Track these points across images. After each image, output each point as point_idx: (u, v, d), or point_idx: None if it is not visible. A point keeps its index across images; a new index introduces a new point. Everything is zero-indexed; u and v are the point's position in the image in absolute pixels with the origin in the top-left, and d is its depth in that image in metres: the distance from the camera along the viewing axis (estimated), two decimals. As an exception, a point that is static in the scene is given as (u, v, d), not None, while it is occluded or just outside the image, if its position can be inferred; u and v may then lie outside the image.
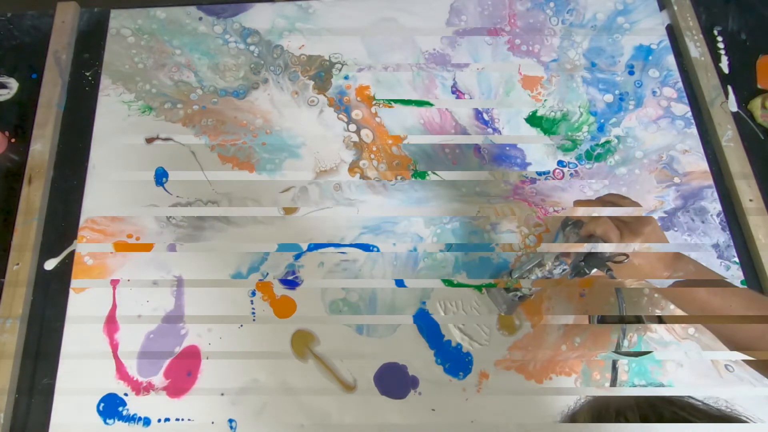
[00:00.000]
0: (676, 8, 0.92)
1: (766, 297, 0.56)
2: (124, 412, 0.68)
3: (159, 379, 0.70)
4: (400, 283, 0.74)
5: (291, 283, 0.75)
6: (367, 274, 0.75)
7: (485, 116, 0.86)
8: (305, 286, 0.74)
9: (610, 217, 0.57)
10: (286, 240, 0.77)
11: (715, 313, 0.55)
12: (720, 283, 0.57)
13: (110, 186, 0.80)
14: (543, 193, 0.81)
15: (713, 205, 0.80)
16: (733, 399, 0.69)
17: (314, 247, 0.76)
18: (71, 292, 0.74)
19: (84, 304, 0.73)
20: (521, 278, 0.65)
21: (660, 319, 0.68)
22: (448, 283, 0.74)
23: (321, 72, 0.88)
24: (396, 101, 0.86)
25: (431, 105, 0.84)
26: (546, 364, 0.71)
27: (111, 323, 0.72)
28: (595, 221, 0.58)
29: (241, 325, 0.72)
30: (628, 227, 0.57)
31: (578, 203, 0.62)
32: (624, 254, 0.56)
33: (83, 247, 0.76)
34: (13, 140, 0.84)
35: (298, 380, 0.70)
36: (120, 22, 0.91)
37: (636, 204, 0.59)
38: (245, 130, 0.84)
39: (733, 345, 0.55)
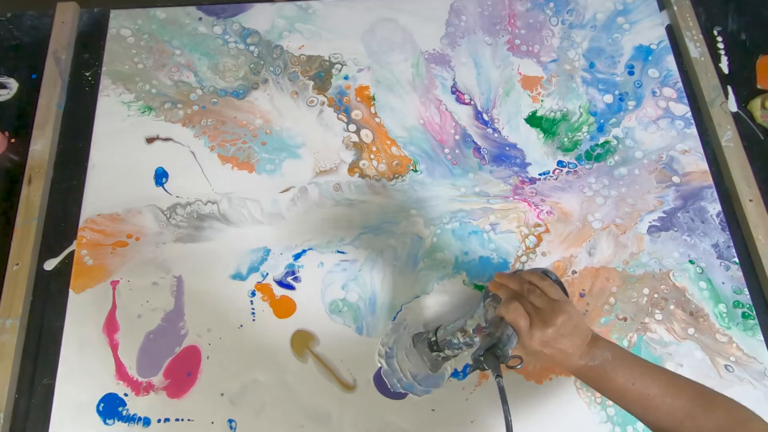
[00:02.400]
0: (675, 8, 0.92)
1: (687, 380, 0.54)
2: (124, 413, 0.68)
3: (159, 380, 0.70)
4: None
5: (291, 282, 0.75)
6: (367, 275, 0.75)
7: (485, 116, 0.86)
8: (305, 286, 0.74)
9: (523, 302, 0.55)
10: (286, 240, 0.77)
11: (635, 398, 0.52)
12: (641, 366, 0.54)
13: (110, 186, 0.80)
14: (543, 193, 0.81)
15: (713, 206, 0.80)
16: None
17: (314, 247, 0.77)
18: (71, 292, 0.74)
19: (84, 304, 0.73)
20: (444, 339, 0.63)
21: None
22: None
23: (321, 72, 0.88)
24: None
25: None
26: (546, 365, 0.71)
27: (111, 323, 0.72)
28: (505, 306, 0.54)
29: (241, 326, 0.72)
30: (540, 315, 0.53)
31: (498, 276, 0.59)
32: (519, 359, 0.53)
33: (83, 247, 0.76)
34: (12, 140, 0.84)
35: (297, 380, 0.70)
36: (120, 22, 0.91)
37: (557, 290, 0.56)
38: (245, 130, 0.84)
39: (655, 429, 0.53)
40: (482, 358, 0.53)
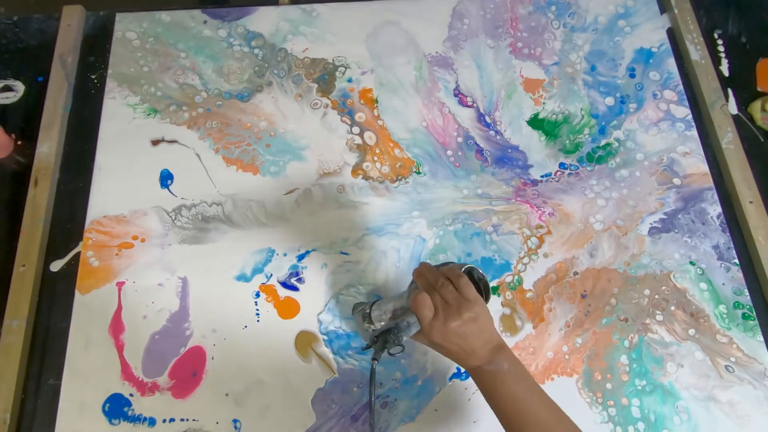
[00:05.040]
0: (676, 11, 0.93)
1: (568, 420, 0.54)
2: (130, 413, 0.69)
3: (164, 380, 0.70)
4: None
5: (295, 283, 0.75)
6: (370, 276, 0.76)
7: (487, 119, 0.86)
8: (308, 287, 0.75)
9: (432, 295, 0.55)
10: (290, 242, 0.78)
11: (512, 415, 0.53)
12: (530, 390, 0.54)
13: (116, 188, 0.81)
14: (545, 195, 0.81)
15: (713, 207, 0.80)
16: (733, 399, 0.71)
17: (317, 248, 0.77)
18: (77, 294, 0.74)
19: (89, 306, 0.74)
20: (375, 314, 0.63)
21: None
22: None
23: (324, 75, 0.89)
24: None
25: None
26: (548, 365, 0.71)
27: (116, 324, 0.73)
28: (414, 296, 0.55)
29: (246, 326, 0.73)
30: (445, 310, 0.54)
31: (421, 266, 0.59)
32: (402, 347, 0.54)
33: (89, 249, 0.77)
34: (19, 143, 0.85)
35: (301, 381, 0.70)
36: (125, 25, 0.92)
37: (471, 289, 0.55)
38: (249, 132, 0.85)
39: None
40: (376, 339, 0.54)
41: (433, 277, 0.57)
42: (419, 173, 0.82)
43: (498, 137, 0.85)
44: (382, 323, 0.62)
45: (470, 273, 0.58)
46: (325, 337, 0.72)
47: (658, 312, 0.74)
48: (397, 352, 0.54)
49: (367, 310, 0.64)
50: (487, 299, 0.58)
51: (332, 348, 0.72)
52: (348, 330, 0.73)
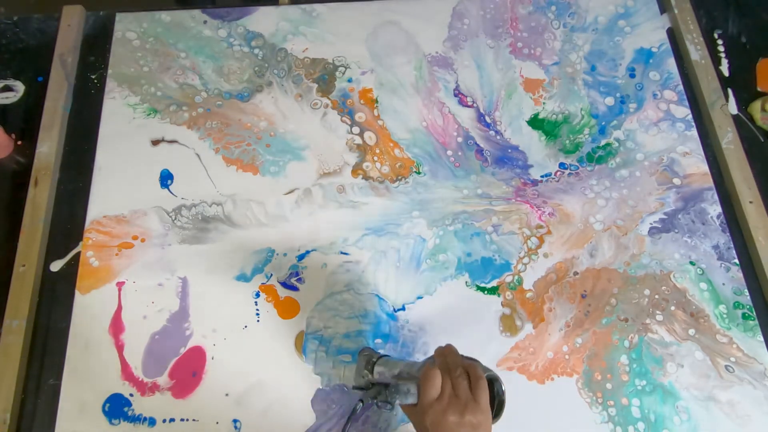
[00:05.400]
0: (676, 11, 0.93)
1: None
2: (130, 413, 0.69)
3: (164, 380, 0.70)
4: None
5: (295, 283, 0.75)
6: (370, 276, 0.76)
7: (487, 119, 0.86)
8: (308, 287, 0.75)
9: (445, 380, 0.52)
10: (290, 242, 0.78)
11: None
12: None
13: (116, 188, 0.81)
14: (545, 195, 0.81)
15: (713, 207, 0.80)
16: (733, 399, 0.71)
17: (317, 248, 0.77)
18: (77, 294, 0.74)
19: (89, 306, 0.74)
20: (379, 366, 0.61)
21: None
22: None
23: (324, 75, 0.89)
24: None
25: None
26: (548, 365, 0.71)
27: (116, 324, 0.73)
28: (429, 370, 0.52)
29: (246, 326, 0.73)
30: (450, 400, 0.51)
31: (448, 348, 0.56)
32: (390, 407, 0.52)
33: (89, 249, 0.77)
34: (19, 143, 0.85)
35: (301, 380, 0.70)
36: (125, 25, 0.92)
37: (485, 396, 0.52)
38: (249, 132, 0.85)
39: None
40: (372, 385, 0.52)
41: (453, 363, 0.54)
42: (419, 173, 0.82)
43: (498, 137, 0.85)
44: (383, 378, 0.60)
45: (491, 381, 0.54)
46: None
47: (658, 312, 0.74)
48: (384, 407, 0.52)
49: (374, 359, 0.62)
50: (496, 417, 0.54)
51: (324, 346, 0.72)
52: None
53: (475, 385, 0.52)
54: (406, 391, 0.53)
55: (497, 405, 0.54)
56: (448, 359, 0.55)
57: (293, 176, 0.82)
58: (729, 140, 0.84)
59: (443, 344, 0.58)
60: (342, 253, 0.77)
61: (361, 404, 0.51)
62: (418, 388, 0.52)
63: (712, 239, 0.79)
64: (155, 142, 0.84)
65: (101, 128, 0.84)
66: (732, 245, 0.78)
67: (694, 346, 0.72)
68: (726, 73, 0.91)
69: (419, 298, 0.75)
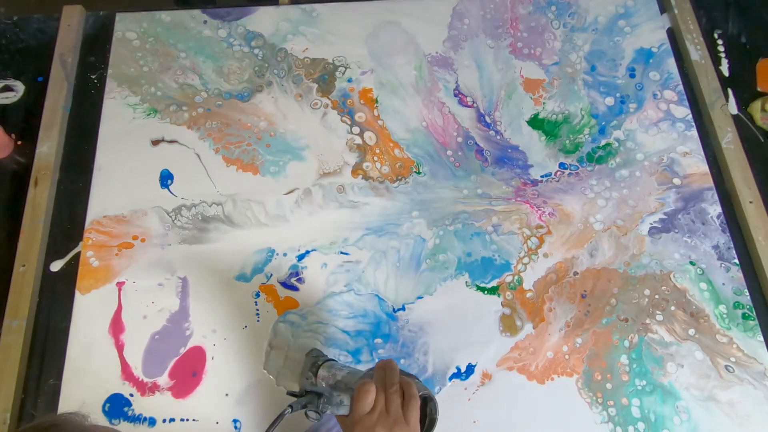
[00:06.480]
0: (676, 11, 0.93)
1: None
2: (130, 413, 0.69)
3: (164, 380, 0.70)
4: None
5: (295, 283, 0.75)
6: (370, 276, 0.76)
7: (487, 119, 0.86)
8: (308, 287, 0.75)
9: (380, 396, 0.52)
10: (290, 242, 0.78)
11: None
12: None
13: (116, 188, 0.81)
14: (545, 195, 0.81)
15: (713, 207, 0.80)
16: (733, 399, 0.71)
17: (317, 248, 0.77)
18: (77, 294, 0.74)
19: (90, 306, 0.74)
20: (325, 370, 0.61)
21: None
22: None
23: (324, 75, 0.89)
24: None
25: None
26: (548, 365, 0.71)
27: (116, 324, 0.73)
28: (365, 384, 0.52)
29: (246, 326, 0.73)
30: (380, 417, 0.51)
31: (388, 363, 0.56)
32: (318, 417, 0.52)
33: (89, 249, 0.77)
34: (19, 143, 0.85)
35: (302, 381, 0.70)
36: (125, 25, 0.92)
37: (415, 416, 0.52)
38: (249, 132, 0.85)
39: None
40: (305, 393, 0.52)
41: (390, 379, 0.54)
42: (419, 173, 0.82)
43: (498, 137, 0.85)
44: (322, 385, 0.60)
45: (425, 400, 0.55)
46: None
47: (658, 312, 0.74)
48: (312, 417, 0.52)
49: (319, 363, 0.63)
50: None
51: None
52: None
53: (407, 403, 0.52)
54: (339, 402, 0.53)
55: (428, 424, 0.55)
56: (386, 374, 0.55)
57: (293, 176, 0.82)
58: (729, 140, 0.84)
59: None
60: (342, 253, 0.77)
61: (290, 410, 0.51)
62: (351, 399, 0.53)
63: (712, 239, 0.79)
64: (155, 142, 0.84)
65: (101, 128, 0.84)
66: (732, 245, 0.78)
67: (694, 346, 0.72)
68: (726, 73, 0.91)
69: (419, 298, 0.75)
